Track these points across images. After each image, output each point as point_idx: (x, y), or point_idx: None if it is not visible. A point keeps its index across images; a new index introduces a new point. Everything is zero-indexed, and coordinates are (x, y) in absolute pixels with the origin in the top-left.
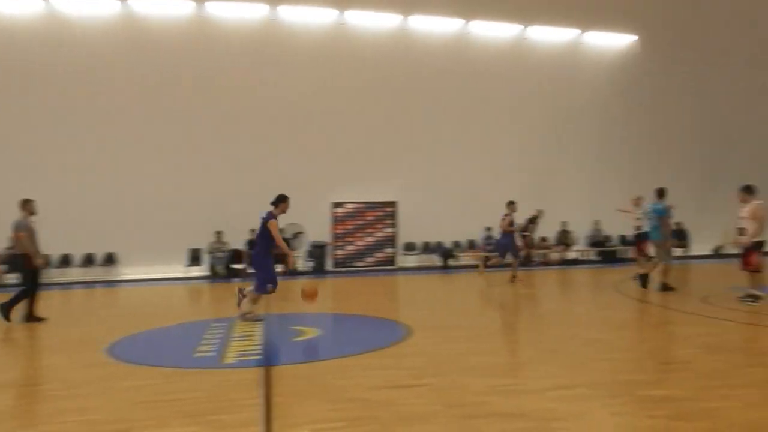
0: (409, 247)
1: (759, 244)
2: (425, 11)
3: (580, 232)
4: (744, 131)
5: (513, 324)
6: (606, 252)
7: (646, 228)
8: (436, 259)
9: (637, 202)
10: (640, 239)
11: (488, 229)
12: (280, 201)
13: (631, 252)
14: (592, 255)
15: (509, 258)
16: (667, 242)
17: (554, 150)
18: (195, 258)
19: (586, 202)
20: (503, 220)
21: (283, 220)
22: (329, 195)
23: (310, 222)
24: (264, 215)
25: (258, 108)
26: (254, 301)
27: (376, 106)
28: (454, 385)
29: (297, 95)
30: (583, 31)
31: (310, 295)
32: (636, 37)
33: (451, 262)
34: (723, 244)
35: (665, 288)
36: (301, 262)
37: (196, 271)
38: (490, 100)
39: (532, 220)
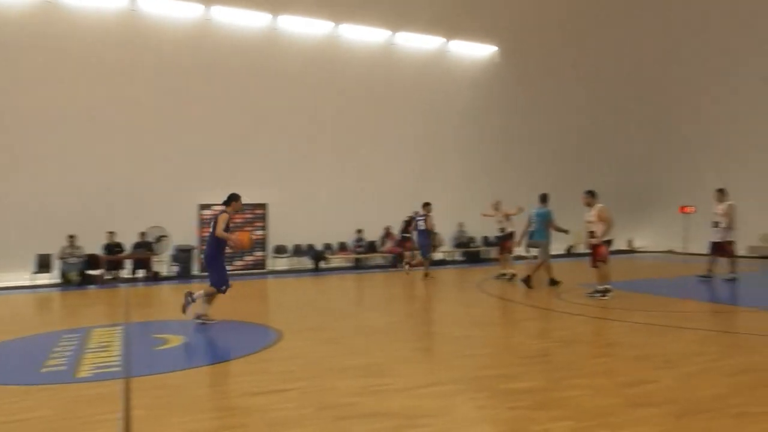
0: (280, 250)
1: (608, 243)
2: (292, 11)
3: (446, 234)
4: (592, 140)
5: (382, 324)
6: (470, 253)
7: (510, 229)
8: (307, 262)
9: (497, 206)
10: (503, 240)
11: (359, 231)
12: (232, 200)
13: (493, 253)
14: (457, 256)
15: (418, 256)
16: (549, 243)
17: (423, 154)
18: (44, 264)
19: (452, 205)
20: (424, 220)
21: (144, 223)
22: (196, 197)
23: (175, 225)
24: (216, 215)
25: (119, 107)
26: (209, 301)
27: (245, 108)
28: (324, 388)
29: (162, 94)
30: (448, 40)
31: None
32: (496, 48)
33: (323, 265)
34: (574, 244)
35: (553, 282)
36: (165, 267)
37: (45, 279)
38: (361, 103)
39: (410, 223)
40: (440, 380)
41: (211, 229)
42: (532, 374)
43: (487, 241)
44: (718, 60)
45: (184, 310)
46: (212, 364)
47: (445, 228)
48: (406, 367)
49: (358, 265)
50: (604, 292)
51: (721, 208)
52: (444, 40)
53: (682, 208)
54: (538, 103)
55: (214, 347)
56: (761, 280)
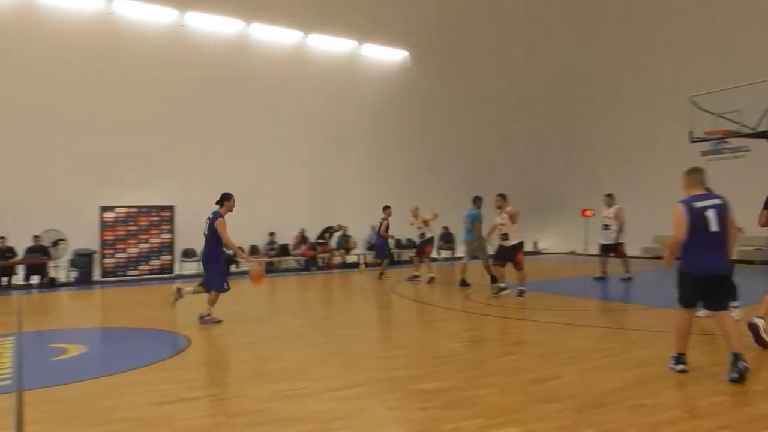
0: (189, 254)
1: (520, 245)
2: (201, 8)
3: (359, 236)
4: (502, 145)
5: (295, 328)
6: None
7: (429, 234)
8: None
9: (415, 212)
10: (424, 245)
11: (272, 233)
12: (225, 199)
13: (405, 255)
14: (370, 258)
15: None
16: (480, 243)
17: (335, 157)
18: None
19: (365, 208)
20: (381, 224)
21: (40, 227)
22: (97, 199)
23: (75, 228)
24: (211, 215)
25: (14, 104)
26: (213, 302)
27: (149, 107)
28: (236, 394)
29: (58, 91)
30: (360, 43)
31: (257, 278)
32: (407, 53)
33: (233, 268)
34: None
35: (463, 284)
36: (64, 273)
37: None
38: (272, 105)
39: (328, 230)
40: (353, 382)
41: (207, 231)
42: (443, 374)
43: (399, 244)
44: (618, 72)
45: (173, 303)
46: (115, 373)
47: (357, 231)
48: (320, 371)
49: (271, 269)
50: (521, 292)
51: (610, 211)
52: (356, 43)
53: (584, 211)
54: (447, 109)
55: (117, 356)
56: (653, 279)
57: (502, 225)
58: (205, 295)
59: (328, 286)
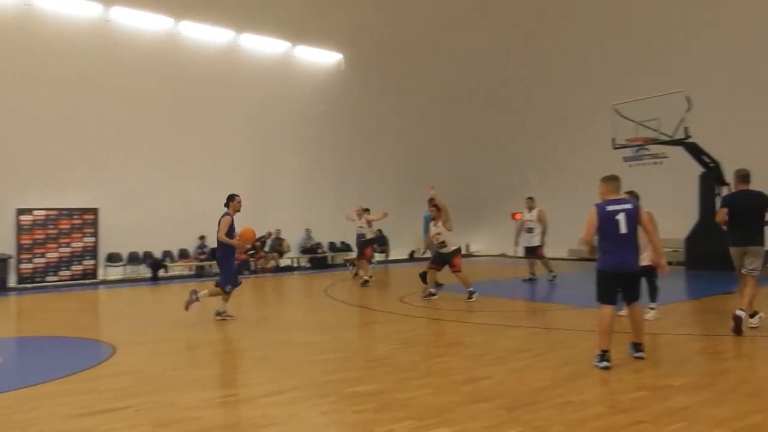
0: (113, 258)
1: (458, 250)
2: (127, 3)
3: (293, 239)
4: (437, 148)
5: (227, 333)
6: (317, 258)
7: (370, 235)
8: (144, 271)
9: (360, 213)
10: (366, 245)
11: (202, 237)
12: (230, 200)
13: (345, 260)
14: (303, 262)
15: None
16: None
17: (268, 159)
18: None
19: (298, 210)
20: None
21: None
22: (13, 201)
23: None
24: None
25: None
26: (226, 299)
27: (70, 103)
28: (163, 403)
29: None
30: (294, 45)
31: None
32: (341, 56)
33: (162, 273)
34: (417, 249)
35: (424, 279)
36: None
37: None
38: (202, 105)
39: (261, 239)
40: (285, 388)
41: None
42: (376, 377)
43: (333, 247)
44: (547, 80)
45: (186, 308)
46: (33, 384)
47: (292, 233)
48: (251, 377)
49: (202, 273)
50: (470, 294)
51: (533, 214)
52: (290, 44)
53: (513, 214)
54: (382, 111)
55: (36, 366)
56: (578, 280)
57: (438, 234)
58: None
59: (261, 290)
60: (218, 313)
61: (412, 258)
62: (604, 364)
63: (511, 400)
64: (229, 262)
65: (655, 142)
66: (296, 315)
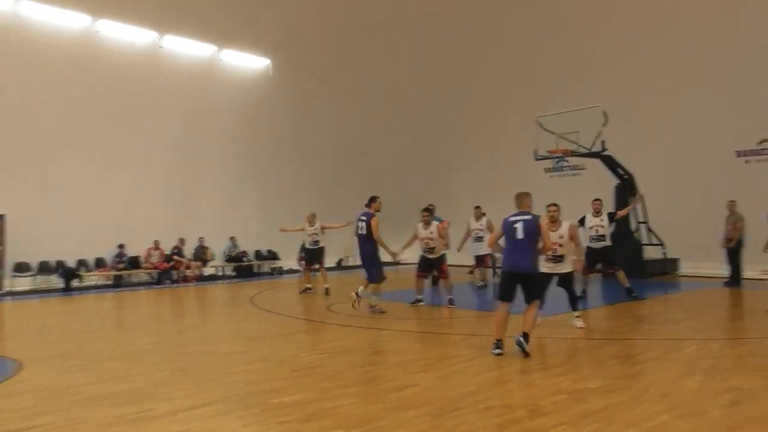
0: (21, 268)
1: (445, 256)
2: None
3: (218, 248)
4: (362, 157)
5: (145, 345)
6: (242, 267)
7: (323, 243)
8: (56, 281)
9: (312, 219)
10: (323, 254)
11: (121, 245)
12: (372, 201)
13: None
14: (229, 270)
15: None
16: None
17: (191, 165)
18: None
19: (223, 218)
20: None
21: None
22: None
23: None
24: (363, 216)
25: None
26: (378, 291)
27: None
28: (74, 421)
29: None
30: (220, 48)
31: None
32: (269, 61)
33: (76, 283)
34: (345, 257)
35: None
36: None
37: None
38: (122, 107)
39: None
40: (208, 400)
41: (362, 232)
42: (302, 386)
43: (260, 255)
44: (474, 92)
45: (354, 305)
46: None
47: (216, 242)
48: (172, 390)
49: (120, 283)
50: (450, 301)
51: (481, 222)
52: (216, 48)
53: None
54: (310, 119)
55: None
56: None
57: (431, 239)
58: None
59: (183, 300)
60: (372, 307)
61: (340, 266)
62: (497, 351)
63: (436, 407)
64: (377, 258)
65: (575, 154)
66: (220, 325)
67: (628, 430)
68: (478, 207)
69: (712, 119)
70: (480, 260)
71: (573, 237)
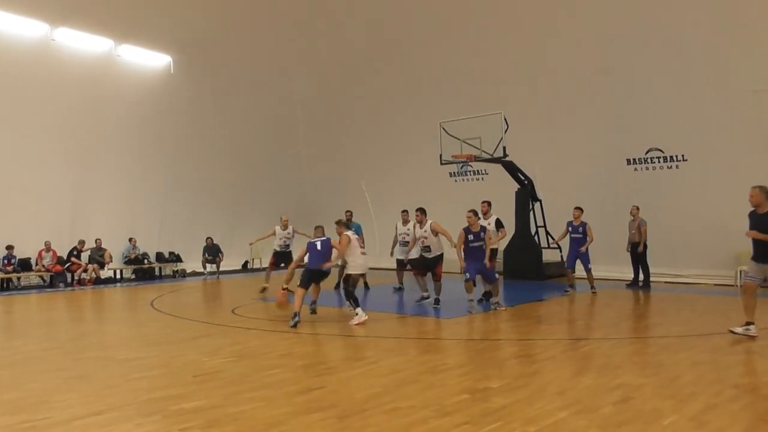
0: None
1: (441, 256)
2: None
3: (116, 249)
4: (267, 158)
5: (36, 352)
6: (143, 270)
7: (280, 248)
8: None
9: (285, 223)
10: (283, 257)
11: (10, 247)
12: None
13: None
14: (128, 273)
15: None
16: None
17: (87, 164)
18: None
19: (122, 220)
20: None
21: None
22: None
23: None
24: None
25: None
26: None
27: None
28: None
29: None
30: (117, 43)
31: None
32: (170, 59)
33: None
34: (251, 259)
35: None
36: None
37: None
38: (9, 103)
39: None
40: (104, 408)
41: (479, 242)
42: (204, 392)
43: (161, 258)
44: (379, 96)
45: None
46: None
47: (113, 243)
48: (65, 398)
49: (8, 286)
50: (437, 301)
51: (408, 227)
52: (113, 42)
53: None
54: (216, 119)
55: None
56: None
57: (425, 237)
58: None
59: (79, 304)
60: (495, 303)
61: (245, 268)
62: (294, 321)
63: (342, 409)
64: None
65: (478, 159)
66: (118, 330)
67: (528, 427)
68: (405, 211)
69: (606, 128)
70: (402, 264)
71: (436, 231)
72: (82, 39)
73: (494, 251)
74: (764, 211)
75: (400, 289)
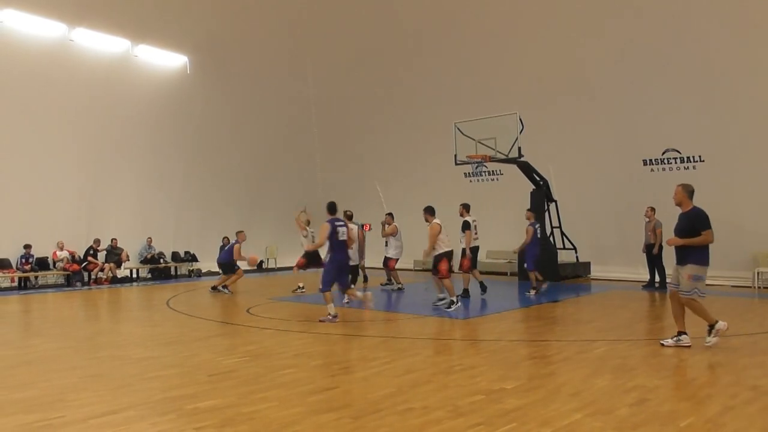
0: None
1: (444, 254)
2: None
3: (132, 249)
4: (281, 158)
5: (52, 351)
6: (159, 269)
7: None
8: None
9: (300, 219)
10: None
11: (27, 246)
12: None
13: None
14: (144, 272)
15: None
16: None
17: (104, 164)
18: None
19: (139, 219)
20: (233, 247)
21: None
22: None
23: None
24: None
25: None
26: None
27: None
28: None
29: None
30: (134, 44)
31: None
32: (186, 59)
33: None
34: (266, 258)
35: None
36: None
37: None
38: (27, 104)
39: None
40: (120, 407)
41: (343, 238)
42: (219, 391)
43: (177, 257)
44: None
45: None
46: None
47: (130, 243)
48: (81, 397)
49: (26, 285)
50: (450, 303)
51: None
52: (130, 43)
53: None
54: (230, 119)
55: None
56: (421, 290)
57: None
58: None
59: (95, 303)
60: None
61: (260, 268)
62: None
63: (356, 409)
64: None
65: (492, 159)
66: (134, 329)
67: (542, 428)
68: (389, 214)
69: (622, 128)
70: (385, 264)
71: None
72: (99, 39)
73: (464, 251)
74: (687, 210)
75: (399, 290)
